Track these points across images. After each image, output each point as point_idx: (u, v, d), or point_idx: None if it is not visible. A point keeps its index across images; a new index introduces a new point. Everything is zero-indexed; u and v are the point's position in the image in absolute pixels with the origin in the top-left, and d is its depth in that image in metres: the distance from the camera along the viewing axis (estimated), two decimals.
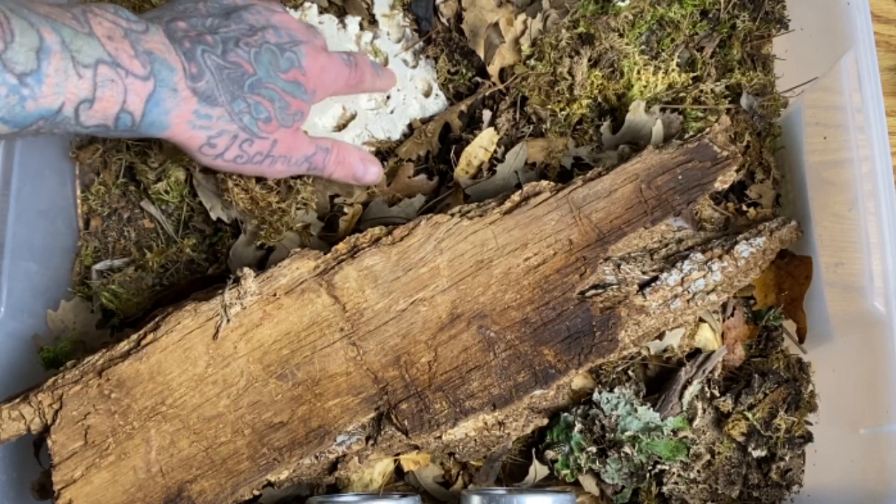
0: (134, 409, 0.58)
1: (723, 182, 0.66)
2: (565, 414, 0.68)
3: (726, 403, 0.67)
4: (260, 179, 0.70)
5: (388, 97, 0.76)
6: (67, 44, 0.50)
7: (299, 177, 0.71)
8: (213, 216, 0.74)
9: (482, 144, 0.73)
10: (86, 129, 0.53)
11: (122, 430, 0.58)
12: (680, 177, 0.65)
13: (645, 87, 0.74)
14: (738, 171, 0.70)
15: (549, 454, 0.68)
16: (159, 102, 0.54)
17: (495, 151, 0.74)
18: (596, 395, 0.68)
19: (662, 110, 0.74)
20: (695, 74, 0.75)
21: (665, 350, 0.70)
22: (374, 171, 0.69)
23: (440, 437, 0.61)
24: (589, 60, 0.73)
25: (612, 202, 0.64)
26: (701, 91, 0.74)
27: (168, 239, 0.75)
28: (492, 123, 0.74)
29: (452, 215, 0.63)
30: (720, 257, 0.64)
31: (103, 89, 0.52)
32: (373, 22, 0.78)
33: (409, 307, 0.61)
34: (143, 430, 0.58)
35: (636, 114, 0.73)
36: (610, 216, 0.64)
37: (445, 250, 0.62)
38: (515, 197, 0.64)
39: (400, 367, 0.60)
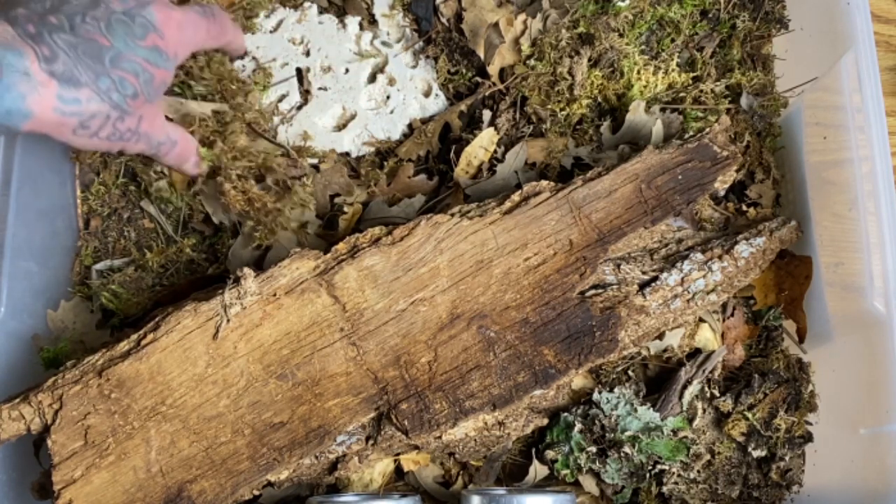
0: (134, 409, 0.58)
1: (723, 182, 0.66)
2: (565, 414, 0.68)
3: (726, 403, 0.67)
4: (258, 180, 0.70)
5: (388, 97, 0.76)
6: None
7: (298, 177, 0.71)
8: (216, 220, 0.73)
9: (482, 144, 0.73)
10: None
11: (122, 430, 0.58)
12: (680, 177, 0.65)
13: (645, 87, 0.74)
14: (738, 171, 0.70)
15: (549, 454, 0.68)
16: (10, 88, 0.52)
17: (495, 151, 0.74)
18: (596, 395, 0.68)
19: (662, 110, 0.74)
20: (695, 74, 0.75)
21: (665, 350, 0.70)
22: (194, 165, 0.67)
23: (440, 437, 0.61)
24: (589, 60, 0.73)
25: (612, 202, 0.64)
26: (701, 91, 0.74)
27: (168, 239, 0.75)
28: (492, 123, 0.74)
29: (452, 215, 0.63)
30: (720, 257, 0.64)
31: None
32: (373, 22, 0.78)
33: (409, 307, 0.61)
34: (143, 430, 0.58)
35: (636, 114, 0.73)
36: (610, 216, 0.64)
37: (445, 250, 0.62)
38: (515, 197, 0.64)
39: (400, 367, 0.60)
